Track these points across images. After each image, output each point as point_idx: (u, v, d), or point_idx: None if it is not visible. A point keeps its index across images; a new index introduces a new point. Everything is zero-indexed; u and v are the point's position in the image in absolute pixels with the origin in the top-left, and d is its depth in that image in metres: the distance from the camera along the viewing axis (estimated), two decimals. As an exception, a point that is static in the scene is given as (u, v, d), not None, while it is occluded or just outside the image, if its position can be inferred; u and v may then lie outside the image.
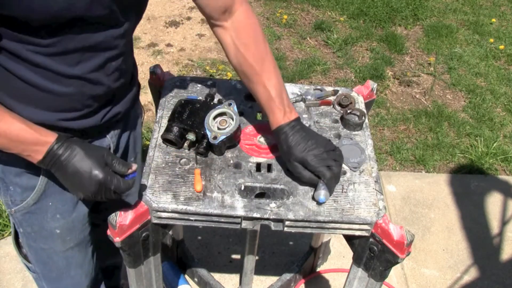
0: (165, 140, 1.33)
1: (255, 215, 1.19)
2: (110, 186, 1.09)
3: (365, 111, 1.49)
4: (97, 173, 1.07)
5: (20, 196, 1.27)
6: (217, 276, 2.22)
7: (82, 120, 1.20)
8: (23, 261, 1.52)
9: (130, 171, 1.12)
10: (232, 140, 1.33)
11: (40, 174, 1.23)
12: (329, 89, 1.55)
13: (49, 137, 1.07)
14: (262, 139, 1.38)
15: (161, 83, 1.54)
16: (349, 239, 1.31)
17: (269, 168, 1.31)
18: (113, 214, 1.16)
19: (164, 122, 1.38)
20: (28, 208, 1.29)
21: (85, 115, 1.20)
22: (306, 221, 1.20)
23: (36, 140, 1.05)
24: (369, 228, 1.22)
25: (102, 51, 1.13)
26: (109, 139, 1.33)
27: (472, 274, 2.41)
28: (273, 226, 1.22)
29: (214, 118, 1.32)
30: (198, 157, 1.31)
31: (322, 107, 1.52)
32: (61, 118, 1.16)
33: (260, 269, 2.32)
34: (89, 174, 1.07)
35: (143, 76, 3.22)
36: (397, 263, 1.22)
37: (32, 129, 1.05)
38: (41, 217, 1.31)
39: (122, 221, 1.15)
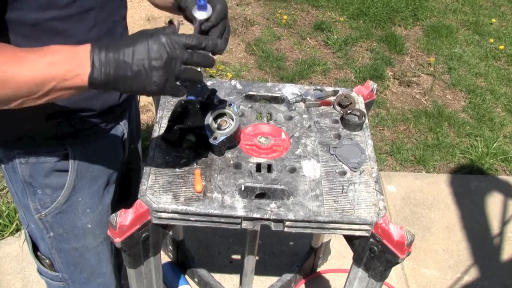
0: (165, 141, 1.33)
1: (255, 215, 1.19)
2: (183, 41, 0.90)
3: (365, 111, 1.49)
4: (159, 35, 0.89)
5: (50, 198, 1.27)
6: (217, 276, 2.22)
7: (103, 98, 1.20)
8: (46, 272, 1.47)
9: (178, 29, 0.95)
10: (232, 141, 1.33)
11: (69, 170, 1.25)
12: (329, 89, 1.55)
13: (84, 46, 0.88)
14: (262, 140, 1.38)
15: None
16: (349, 239, 1.31)
17: (269, 168, 1.31)
18: (113, 214, 1.16)
19: (164, 123, 1.38)
20: (59, 208, 1.29)
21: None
22: (306, 221, 1.20)
23: (73, 52, 0.87)
24: (369, 228, 1.22)
25: (111, 14, 1.14)
26: (123, 126, 1.36)
27: (472, 274, 2.41)
28: (273, 226, 1.22)
29: (214, 118, 1.32)
30: (198, 157, 1.31)
31: (322, 107, 1.52)
32: (83, 95, 1.03)
33: (261, 270, 2.32)
34: (149, 41, 0.88)
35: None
36: (397, 263, 1.22)
37: (64, 46, 0.89)
38: (72, 214, 1.32)
39: (122, 222, 1.15)
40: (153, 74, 0.88)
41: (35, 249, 1.45)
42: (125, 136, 1.39)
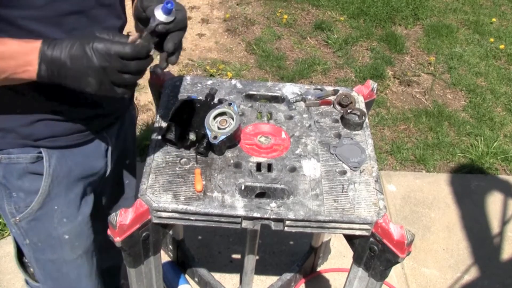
0: (166, 140, 1.33)
1: (256, 214, 1.19)
2: (117, 50, 0.93)
3: (365, 110, 1.49)
4: (97, 43, 0.93)
5: (24, 202, 1.22)
6: (217, 275, 2.22)
7: (82, 109, 1.16)
8: (31, 282, 1.45)
9: (131, 38, 0.98)
10: (232, 140, 1.33)
11: (43, 174, 1.20)
12: (329, 88, 1.55)
13: (36, 43, 0.95)
14: (262, 139, 1.38)
15: (161, 83, 1.54)
16: (350, 238, 1.31)
17: (269, 167, 1.31)
18: (113, 214, 1.16)
19: (165, 122, 1.38)
20: (33, 214, 1.24)
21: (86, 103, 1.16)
22: (307, 220, 1.20)
23: (25, 49, 0.94)
24: (369, 227, 1.22)
25: (95, 21, 1.09)
26: (108, 139, 1.32)
27: (473, 274, 2.41)
28: (273, 225, 1.22)
29: (215, 117, 1.32)
30: (198, 156, 1.31)
31: (322, 106, 1.52)
32: (62, 103, 1.10)
33: (261, 269, 2.32)
34: (88, 47, 0.93)
35: (144, 76, 3.22)
36: (397, 262, 1.22)
37: (17, 40, 0.95)
38: (47, 223, 1.27)
39: (122, 221, 1.15)
40: (88, 79, 0.94)
41: (20, 254, 1.40)
42: (110, 149, 1.34)
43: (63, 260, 1.35)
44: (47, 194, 1.23)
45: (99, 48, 0.92)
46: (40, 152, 1.18)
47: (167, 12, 1.01)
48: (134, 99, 1.51)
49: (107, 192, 1.49)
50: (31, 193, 1.22)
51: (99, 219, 1.42)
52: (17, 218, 1.25)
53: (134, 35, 0.99)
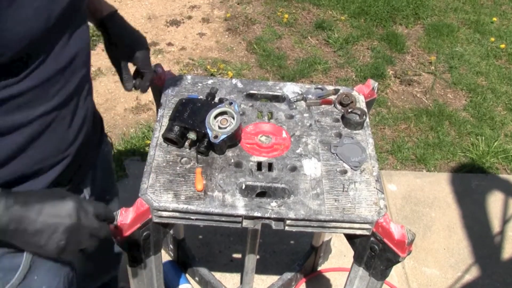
0: (166, 139, 1.33)
1: (256, 214, 1.19)
2: (91, 210, 0.92)
3: (366, 110, 1.49)
4: (69, 199, 0.90)
5: (2, 280, 1.08)
6: (218, 275, 2.22)
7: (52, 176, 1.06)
8: None
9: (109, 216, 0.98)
10: (233, 139, 1.33)
11: (24, 251, 1.07)
12: (330, 88, 1.55)
13: None
14: (263, 138, 1.38)
15: (162, 82, 1.54)
16: (350, 238, 1.31)
17: (270, 167, 1.31)
18: (114, 213, 1.16)
19: (165, 121, 1.38)
20: None
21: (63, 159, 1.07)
22: (307, 220, 1.20)
23: None
24: (370, 227, 1.22)
25: (75, 72, 1.03)
26: (85, 193, 1.25)
27: (473, 273, 2.41)
28: (274, 225, 1.22)
29: (215, 117, 1.32)
30: (199, 156, 1.31)
31: (323, 106, 1.52)
32: (42, 165, 1.01)
33: (261, 268, 2.32)
34: (58, 203, 0.89)
35: (144, 75, 3.22)
36: (398, 262, 1.22)
37: None
38: None
39: (123, 220, 1.15)
40: (54, 236, 0.87)
41: None
42: (88, 194, 1.26)
43: None
44: (28, 268, 1.11)
45: (73, 205, 0.90)
46: None
47: None
48: (106, 134, 1.43)
49: None
50: (11, 270, 1.09)
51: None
52: None
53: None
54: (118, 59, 1.30)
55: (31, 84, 0.91)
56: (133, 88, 1.33)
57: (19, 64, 0.87)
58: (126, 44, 1.29)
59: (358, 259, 1.32)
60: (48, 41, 0.92)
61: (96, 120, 1.28)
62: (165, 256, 2.29)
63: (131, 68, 1.34)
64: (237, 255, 2.39)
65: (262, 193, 1.28)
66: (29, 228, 0.86)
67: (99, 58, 3.29)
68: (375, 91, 1.57)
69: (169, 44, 3.64)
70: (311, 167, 1.32)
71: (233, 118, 1.30)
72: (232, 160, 1.32)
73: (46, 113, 0.96)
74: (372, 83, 1.57)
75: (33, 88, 0.92)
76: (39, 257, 1.08)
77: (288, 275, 2.14)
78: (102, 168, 1.37)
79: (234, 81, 1.57)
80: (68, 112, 1.03)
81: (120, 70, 1.31)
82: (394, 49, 3.77)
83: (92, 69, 3.07)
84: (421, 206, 2.70)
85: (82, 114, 1.10)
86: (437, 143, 3.05)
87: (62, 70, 0.98)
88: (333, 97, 1.53)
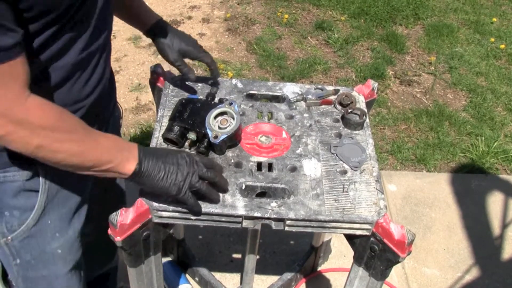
0: (166, 140, 1.33)
1: (256, 214, 1.19)
2: (196, 158, 1.15)
3: (366, 110, 1.49)
4: (184, 154, 1.14)
5: (18, 220, 1.20)
6: (218, 275, 2.22)
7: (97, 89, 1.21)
8: None
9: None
10: (233, 140, 1.33)
11: (39, 190, 1.18)
12: (330, 88, 1.55)
13: (132, 145, 1.10)
14: (263, 138, 1.38)
15: (162, 83, 1.54)
16: (350, 238, 1.31)
17: (270, 167, 1.31)
18: (114, 213, 1.16)
19: (165, 122, 1.38)
20: (28, 232, 1.22)
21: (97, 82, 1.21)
22: (307, 220, 1.20)
23: (128, 146, 1.08)
24: (370, 227, 1.22)
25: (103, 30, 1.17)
26: None
27: (473, 274, 2.41)
28: (274, 225, 1.22)
29: (215, 117, 1.32)
30: (199, 156, 1.31)
31: (323, 106, 1.52)
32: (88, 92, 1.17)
33: (261, 268, 2.32)
34: (177, 152, 1.14)
35: (144, 76, 3.22)
36: (398, 262, 1.22)
37: (114, 137, 1.09)
38: (41, 239, 1.25)
39: (123, 220, 1.15)
40: (176, 177, 1.11)
41: (4, 273, 1.38)
42: None
43: (54, 276, 1.34)
44: (43, 209, 1.21)
45: (187, 158, 1.13)
46: (37, 169, 1.16)
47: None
48: (117, 100, 1.52)
49: (97, 197, 1.47)
50: (26, 210, 1.19)
51: (90, 221, 1.41)
52: (9, 237, 1.22)
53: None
54: (173, 59, 1.46)
55: (68, 37, 1.03)
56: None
57: (69, 11, 1.00)
58: (176, 47, 1.45)
59: (358, 259, 1.32)
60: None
61: (112, 82, 1.38)
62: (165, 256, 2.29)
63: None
64: (237, 255, 2.39)
65: (262, 193, 1.28)
66: (160, 174, 1.09)
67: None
68: (375, 91, 1.57)
69: (169, 44, 3.64)
70: (311, 168, 1.32)
71: (233, 119, 1.30)
72: (232, 161, 1.32)
73: (72, 64, 1.08)
74: (372, 83, 1.57)
75: (69, 40, 1.04)
76: (52, 200, 1.21)
77: (288, 275, 2.14)
78: (113, 129, 1.45)
79: (234, 81, 1.57)
80: (89, 66, 1.15)
81: (179, 66, 1.45)
82: (394, 50, 3.78)
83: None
84: (421, 207, 2.70)
85: (100, 72, 1.20)
86: (437, 144, 3.06)
87: (93, 27, 1.10)
88: (333, 98, 1.53)
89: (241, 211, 1.19)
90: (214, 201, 1.18)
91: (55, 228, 1.27)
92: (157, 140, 1.34)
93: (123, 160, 1.06)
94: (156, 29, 1.45)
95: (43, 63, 1.03)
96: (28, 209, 1.19)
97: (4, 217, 1.19)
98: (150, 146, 1.33)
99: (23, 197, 1.17)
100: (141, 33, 1.50)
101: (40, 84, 1.04)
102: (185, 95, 1.49)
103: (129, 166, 1.06)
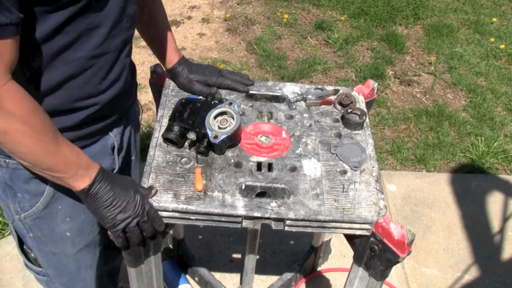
0: (166, 139, 1.33)
1: (256, 214, 1.19)
2: (145, 206, 1.16)
3: (365, 110, 1.49)
4: (141, 190, 1.16)
5: (29, 202, 1.26)
6: (217, 275, 2.22)
7: (89, 113, 1.20)
8: (31, 266, 1.51)
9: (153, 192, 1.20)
10: (233, 139, 1.33)
11: (48, 179, 1.21)
12: (330, 88, 1.55)
13: (94, 165, 1.11)
14: (263, 138, 1.38)
15: (161, 82, 1.54)
16: (350, 238, 1.31)
17: (270, 167, 1.31)
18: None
19: (165, 121, 1.38)
20: (38, 213, 1.28)
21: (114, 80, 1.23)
22: (307, 220, 1.20)
23: (88, 166, 1.10)
24: (369, 227, 1.22)
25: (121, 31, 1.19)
26: (113, 138, 1.34)
27: (473, 274, 2.41)
28: (273, 225, 1.22)
29: (215, 117, 1.32)
30: (198, 156, 1.31)
31: (323, 106, 1.52)
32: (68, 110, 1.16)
33: (261, 269, 2.32)
34: (134, 192, 1.14)
35: (144, 76, 3.22)
36: (398, 262, 1.22)
37: (82, 154, 1.10)
38: (51, 221, 1.30)
39: (123, 220, 1.15)
40: (117, 214, 1.12)
41: (21, 243, 1.45)
42: (116, 147, 1.36)
43: (63, 254, 1.39)
44: (52, 195, 1.26)
45: (138, 198, 1.15)
46: None
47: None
48: (137, 98, 1.53)
49: None
50: (36, 195, 1.24)
51: None
52: (22, 215, 1.29)
53: (153, 190, 1.20)
54: (195, 92, 1.48)
55: (83, 27, 1.05)
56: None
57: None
58: (194, 80, 1.49)
59: (357, 259, 1.32)
60: None
61: (133, 82, 1.41)
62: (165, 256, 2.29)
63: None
64: (237, 255, 2.39)
65: (262, 193, 1.28)
66: (103, 202, 1.11)
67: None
68: (375, 91, 1.57)
69: (169, 44, 3.64)
70: (311, 168, 1.32)
71: (233, 118, 1.30)
72: (232, 160, 1.32)
73: (87, 57, 1.10)
74: (372, 83, 1.57)
75: (83, 31, 1.06)
76: (62, 188, 1.22)
77: (287, 275, 2.14)
78: (132, 125, 1.47)
79: (234, 81, 1.57)
80: (105, 64, 1.16)
81: (201, 95, 1.48)
82: (394, 50, 3.78)
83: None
84: (421, 207, 2.70)
85: (117, 72, 1.21)
86: (436, 144, 3.06)
87: (112, 24, 1.12)
88: (333, 98, 1.53)
89: (241, 211, 1.19)
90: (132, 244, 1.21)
91: (66, 214, 1.31)
92: (157, 140, 1.34)
93: (77, 176, 1.08)
94: (172, 73, 1.51)
95: (56, 50, 1.04)
96: (38, 195, 1.24)
97: (17, 197, 1.25)
98: (150, 145, 1.33)
99: (34, 183, 1.22)
100: (141, 33, 1.52)
101: (54, 72, 1.07)
102: (185, 95, 1.49)
103: (80, 183, 1.09)
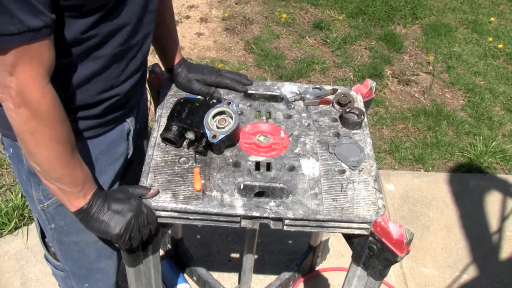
0: (164, 139, 1.33)
1: (255, 214, 1.19)
2: (143, 215, 1.18)
3: (364, 110, 1.49)
4: (135, 190, 1.20)
5: (46, 197, 1.28)
6: (216, 275, 2.22)
7: (106, 103, 1.23)
8: (51, 259, 1.55)
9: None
10: (231, 139, 1.33)
11: None
12: (328, 88, 1.55)
13: (93, 187, 1.16)
14: (261, 138, 1.38)
15: (160, 82, 1.54)
16: (348, 238, 1.31)
17: (268, 167, 1.31)
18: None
19: (163, 121, 1.38)
20: None
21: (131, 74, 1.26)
22: (306, 220, 1.20)
23: (90, 184, 1.15)
24: (368, 227, 1.22)
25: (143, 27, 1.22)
26: (129, 123, 1.36)
27: (471, 273, 2.42)
28: (272, 225, 1.22)
29: (213, 117, 1.32)
30: (197, 156, 1.31)
31: (321, 106, 1.52)
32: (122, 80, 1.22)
33: (259, 268, 2.32)
34: (130, 200, 1.18)
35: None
36: (396, 262, 1.22)
37: (87, 174, 1.14)
38: None
39: (121, 220, 1.15)
40: (117, 225, 1.16)
41: (43, 235, 1.48)
42: (131, 133, 1.39)
43: (85, 243, 1.41)
44: None
45: (134, 215, 1.17)
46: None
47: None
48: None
49: (127, 173, 1.55)
50: None
51: None
52: (45, 204, 1.30)
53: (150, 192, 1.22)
54: (194, 91, 1.50)
55: (108, 29, 1.08)
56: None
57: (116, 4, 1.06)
58: (192, 79, 1.50)
59: (356, 259, 1.32)
60: None
61: (144, 74, 1.43)
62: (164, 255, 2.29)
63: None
64: (235, 255, 2.39)
65: (261, 193, 1.28)
66: (100, 217, 1.15)
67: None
68: (373, 91, 1.57)
69: (167, 43, 3.64)
70: (310, 167, 1.32)
71: (231, 118, 1.30)
72: (231, 160, 1.32)
73: (112, 54, 1.13)
74: (370, 83, 1.57)
75: (109, 32, 1.09)
76: None
77: (286, 275, 2.14)
78: (142, 111, 1.49)
79: (232, 80, 1.57)
80: (127, 57, 1.19)
81: (200, 94, 1.49)
82: (392, 49, 3.78)
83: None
84: (419, 206, 2.70)
85: (138, 62, 1.25)
86: (435, 143, 3.06)
87: (136, 22, 1.15)
88: (331, 97, 1.53)
89: (240, 210, 1.19)
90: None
91: None
92: (155, 140, 1.34)
93: (80, 193, 1.13)
94: (171, 73, 1.53)
95: (83, 51, 1.08)
96: None
97: (41, 185, 1.26)
98: (149, 145, 1.33)
99: None
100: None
101: (80, 71, 1.10)
102: (183, 94, 1.49)
103: (81, 201, 1.14)
